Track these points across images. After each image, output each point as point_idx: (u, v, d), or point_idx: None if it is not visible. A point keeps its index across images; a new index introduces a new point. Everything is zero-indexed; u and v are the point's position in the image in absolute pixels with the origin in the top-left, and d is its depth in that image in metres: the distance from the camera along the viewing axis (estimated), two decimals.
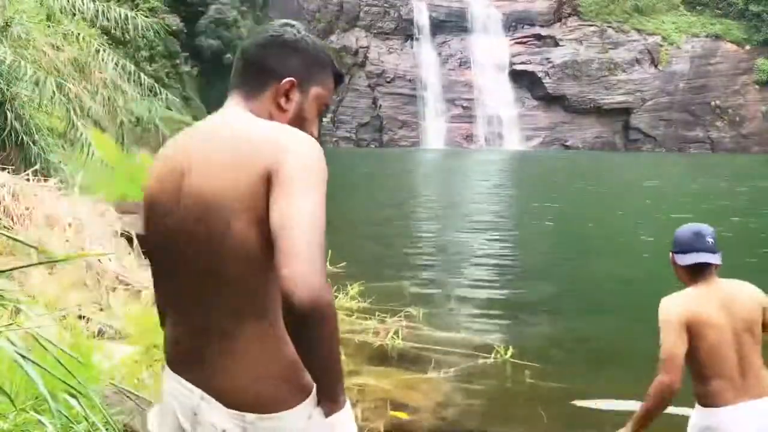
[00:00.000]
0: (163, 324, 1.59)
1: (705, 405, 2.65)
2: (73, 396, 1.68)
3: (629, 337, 5.83)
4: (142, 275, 6.77)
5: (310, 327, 1.29)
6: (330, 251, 7.73)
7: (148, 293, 6.25)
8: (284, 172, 1.37)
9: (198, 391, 1.44)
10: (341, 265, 8.40)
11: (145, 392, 4.00)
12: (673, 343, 2.56)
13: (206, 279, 1.42)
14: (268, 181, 1.37)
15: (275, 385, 1.41)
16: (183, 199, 1.44)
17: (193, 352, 1.47)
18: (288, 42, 1.61)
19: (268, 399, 1.40)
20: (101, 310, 5.69)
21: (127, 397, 3.00)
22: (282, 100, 1.56)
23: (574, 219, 16.50)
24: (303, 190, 1.37)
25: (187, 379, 1.46)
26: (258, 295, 1.42)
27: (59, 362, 1.67)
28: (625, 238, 13.30)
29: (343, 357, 5.27)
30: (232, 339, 1.42)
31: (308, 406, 1.42)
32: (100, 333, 5.25)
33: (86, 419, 1.81)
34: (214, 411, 1.41)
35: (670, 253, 2.71)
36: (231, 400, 1.40)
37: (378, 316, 6.36)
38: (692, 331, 2.58)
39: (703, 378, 2.64)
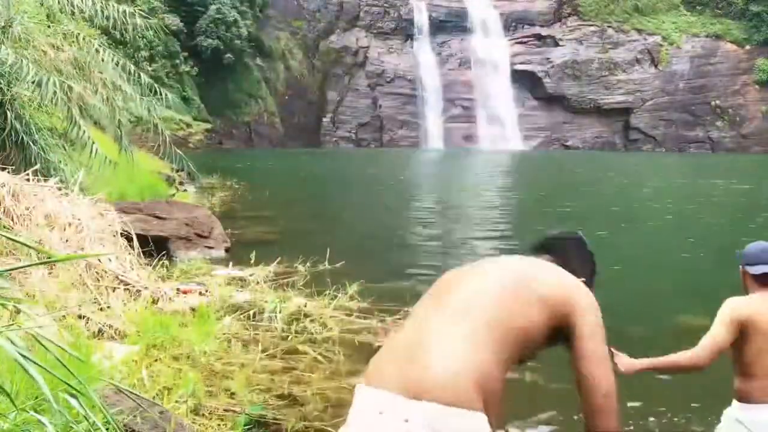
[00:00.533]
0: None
1: (746, 401, 2.93)
2: (73, 396, 1.69)
3: (630, 337, 5.83)
4: (142, 275, 6.78)
5: (605, 412, 1.96)
6: (329, 250, 7.74)
7: (148, 293, 6.26)
8: (581, 306, 2.07)
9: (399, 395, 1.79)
10: (340, 264, 8.41)
11: (145, 392, 4.01)
12: (718, 333, 2.91)
13: (489, 323, 1.93)
14: (563, 305, 2.04)
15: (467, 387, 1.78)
16: (498, 272, 2.10)
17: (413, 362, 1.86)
18: (587, 250, 2.36)
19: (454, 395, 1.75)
20: (101, 309, 5.70)
21: (128, 396, 3.00)
22: None
23: (575, 219, 16.50)
24: (595, 328, 2.05)
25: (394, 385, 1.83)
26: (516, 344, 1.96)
27: (60, 362, 1.68)
28: (627, 239, 13.30)
29: (342, 357, 5.29)
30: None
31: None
32: (100, 333, 5.26)
33: (86, 419, 1.82)
34: (402, 403, 1.75)
35: (741, 266, 3.14)
36: (417, 393, 1.75)
37: (377, 315, 6.36)
38: (744, 331, 2.93)
39: (748, 376, 2.93)
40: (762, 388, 2.87)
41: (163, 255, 8.61)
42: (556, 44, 77.37)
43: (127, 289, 6.25)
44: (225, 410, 4.07)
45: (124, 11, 10.78)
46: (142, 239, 8.32)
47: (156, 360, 4.69)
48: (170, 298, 6.43)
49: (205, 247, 9.64)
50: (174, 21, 60.81)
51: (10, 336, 1.57)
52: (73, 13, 10.86)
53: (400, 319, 6.29)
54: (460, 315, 1.93)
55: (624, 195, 23.56)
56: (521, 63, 77.47)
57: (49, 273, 5.85)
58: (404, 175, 32.42)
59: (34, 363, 1.53)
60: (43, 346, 1.67)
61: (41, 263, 4.17)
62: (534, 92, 77.33)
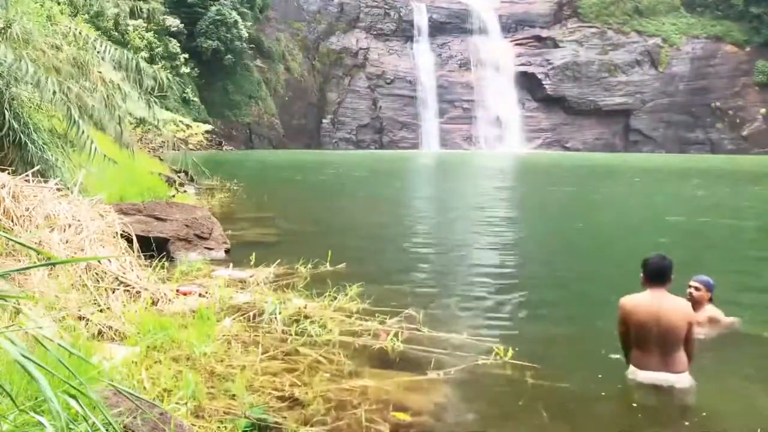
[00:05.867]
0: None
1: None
2: (72, 396, 1.68)
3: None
4: (142, 276, 6.76)
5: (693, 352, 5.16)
6: (330, 252, 7.71)
7: (148, 294, 6.25)
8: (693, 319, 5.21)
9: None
10: (341, 265, 8.41)
11: (145, 393, 3.99)
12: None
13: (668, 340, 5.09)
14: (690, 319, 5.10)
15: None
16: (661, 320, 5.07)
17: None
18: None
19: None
20: (101, 311, 5.69)
21: (127, 398, 2.99)
22: None
23: (575, 222, 16.51)
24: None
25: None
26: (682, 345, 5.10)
27: (61, 362, 1.66)
28: (626, 241, 13.31)
29: (343, 359, 5.28)
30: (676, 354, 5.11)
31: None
32: (100, 334, 5.25)
33: (86, 420, 1.81)
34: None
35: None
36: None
37: (378, 317, 6.35)
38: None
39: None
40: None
41: (163, 256, 8.60)
42: (556, 46, 77.40)
43: (127, 290, 6.24)
44: (225, 412, 4.05)
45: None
46: (143, 240, 8.31)
47: (156, 361, 4.68)
48: (170, 300, 6.42)
49: (205, 248, 9.62)
50: (174, 22, 60.82)
51: (10, 336, 1.56)
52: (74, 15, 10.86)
53: (400, 320, 6.29)
54: None
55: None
56: (521, 64, 77.51)
57: (49, 274, 5.84)
58: (405, 176, 32.38)
59: (35, 363, 1.52)
60: (43, 346, 1.66)
61: (41, 265, 4.16)
62: (534, 94, 77.37)
